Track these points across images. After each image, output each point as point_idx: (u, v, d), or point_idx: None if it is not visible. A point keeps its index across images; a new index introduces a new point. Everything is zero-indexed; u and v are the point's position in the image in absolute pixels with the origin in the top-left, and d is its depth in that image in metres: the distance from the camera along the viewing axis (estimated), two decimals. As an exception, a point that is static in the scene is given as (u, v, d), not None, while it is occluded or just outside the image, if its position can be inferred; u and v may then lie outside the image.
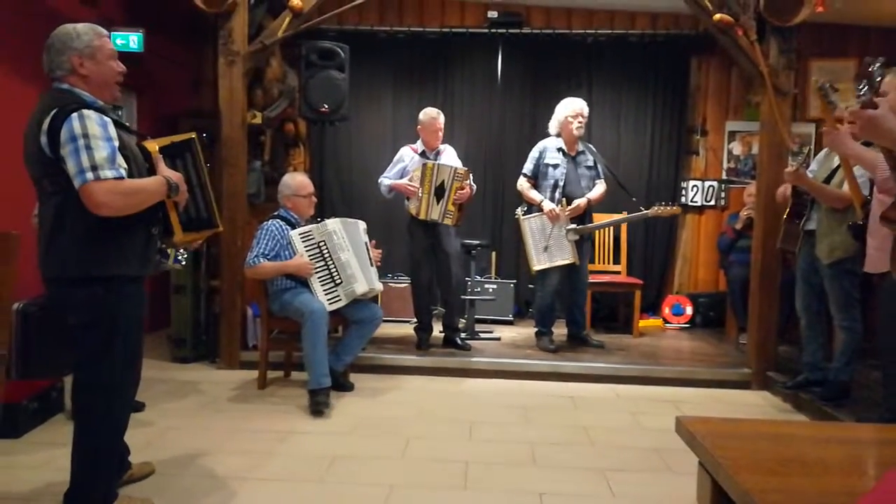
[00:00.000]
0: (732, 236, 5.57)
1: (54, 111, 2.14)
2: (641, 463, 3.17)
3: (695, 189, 6.26)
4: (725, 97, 6.29)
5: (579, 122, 4.84)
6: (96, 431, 2.37)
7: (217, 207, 2.72)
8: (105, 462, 2.41)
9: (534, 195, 4.93)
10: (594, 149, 5.08)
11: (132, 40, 4.81)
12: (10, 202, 3.52)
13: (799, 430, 1.66)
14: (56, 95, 2.24)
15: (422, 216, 4.70)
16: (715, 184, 6.27)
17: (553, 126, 4.98)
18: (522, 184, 5.03)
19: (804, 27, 4.50)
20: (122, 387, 2.41)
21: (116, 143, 2.19)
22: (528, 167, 5.01)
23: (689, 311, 6.16)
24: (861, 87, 2.34)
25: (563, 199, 4.86)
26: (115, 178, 2.15)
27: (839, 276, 3.74)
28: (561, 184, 4.87)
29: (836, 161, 3.87)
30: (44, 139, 2.14)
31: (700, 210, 6.32)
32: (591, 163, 4.98)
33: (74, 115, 2.12)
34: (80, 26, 2.30)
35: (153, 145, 2.44)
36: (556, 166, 4.89)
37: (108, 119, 2.21)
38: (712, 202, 6.28)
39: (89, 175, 2.10)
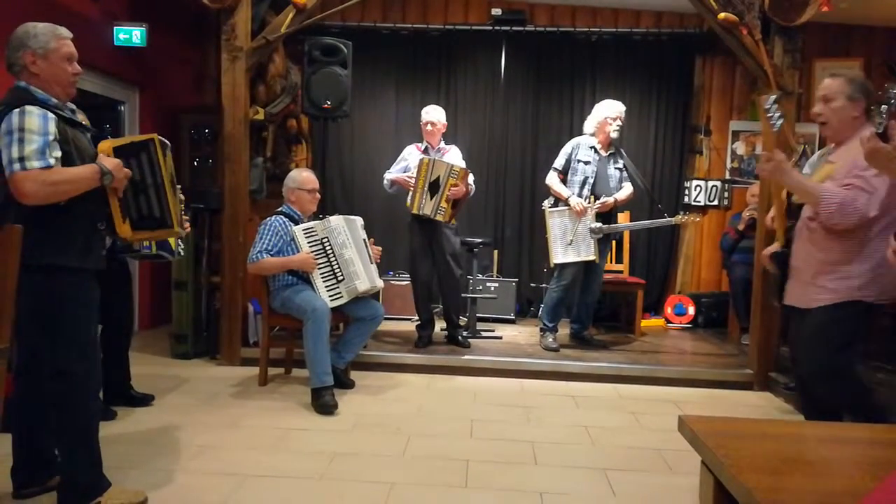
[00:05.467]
0: (735, 236, 5.55)
1: (2, 109, 2.27)
2: (642, 463, 3.16)
3: (698, 189, 6.25)
4: (729, 96, 6.27)
5: (618, 125, 4.86)
6: (64, 420, 2.42)
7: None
8: (82, 449, 2.45)
9: (561, 190, 4.93)
10: (625, 154, 5.08)
11: (135, 35, 4.81)
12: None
13: (802, 429, 1.65)
14: (12, 93, 2.36)
15: (414, 210, 4.72)
16: (718, 183, 6.26)
17: (589, 125, 4.98)
18: (552, 178, 5.02)
19: (809, 27, 4.48)
20: (79, 374, 2.42)
21: (51, 138, 2.28)
22: (558, 162, 5.02)
23: (691, 311, 6.14)
24: (882, 113, 2.37)
25: (591, 195, 4.86)
26: (42, 168, 2.23)
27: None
28: (591, 181, 4.87)
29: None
30: None
31: (703, 210, 6.30)
32: (620, 165, 4.99)
33: (16, 110, 2.25)
34: (41, 26, 2.39)
35: (108, 144, 2.52)
36: (587, 163, 4.89)
37: (51, 116, 2.30)
38: (715, 202, 6.27)
39: (16, 166, 2.21)
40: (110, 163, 2.45)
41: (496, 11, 6.03)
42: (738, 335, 5.56)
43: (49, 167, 2.25)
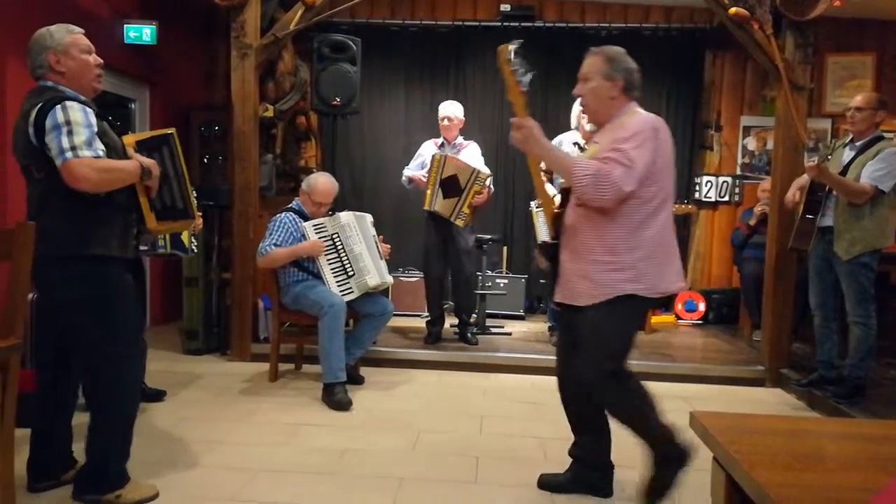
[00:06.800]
0: (746, 232, 5.53)
1: (40, 104, 2.31)
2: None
3: (709, 184, 6.22)
4: (740, 92, 6.23)
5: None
6: (108, 408, 2.48)
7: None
8: (119, 440, 2.50)
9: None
10: None
11: (145, 33, 4.83)
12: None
13: (815, 425, 1.63)
14: (41, 91, 2.41)
15: (425, 206, 4.71)
16: (729, 179, 6.22)
17: (572, 119, 4.96)
18: None
19: (821, 21, 4.44)
20: (128, 360, 2.51)
21: (96, 130, 2.34)
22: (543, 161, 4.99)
23: (701, 307, 6.12)
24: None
25: None
26: (93, 157, 2.30)
27: (856, 272, 3.71)
28: None
29: (848, 155, 3.83)
30: (31, 129, 2.31)
31: (714, 206, 6.27)
32: None
33: (58, 105, 2.29)
34: (54, 27, 2.45)
35: (130, 138, 2.60)
36: None
37: (89, 109, 2.37)
38: (726, 198, 6.24)
39: (69, 154, 2.26)
40: (147, 161, 2.52)
41: (505, 7, 6.02)
42: (749, 331, 5.53)
43: (99, 157, 2.32)
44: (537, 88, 6.29)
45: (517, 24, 6.06)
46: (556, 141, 4.95)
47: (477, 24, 6.15)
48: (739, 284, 5.79)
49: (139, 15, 5.01)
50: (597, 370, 2.43)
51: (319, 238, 3.98)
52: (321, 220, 4.05)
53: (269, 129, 5.08)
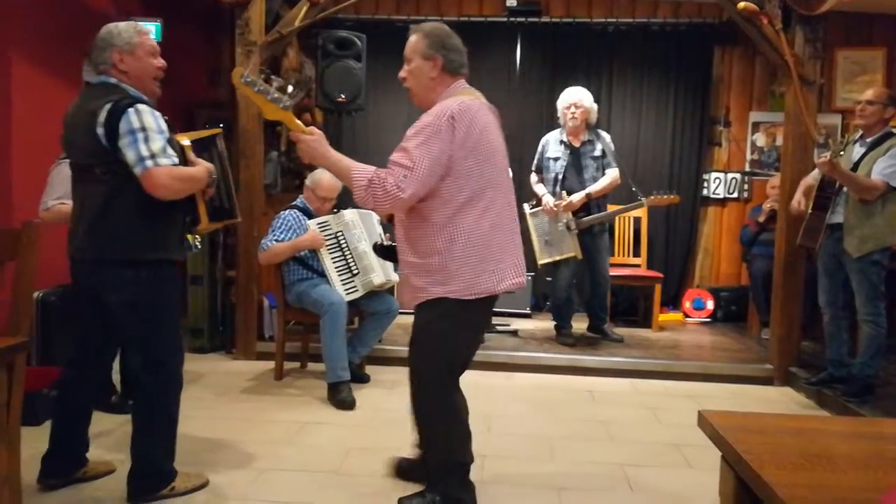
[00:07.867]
0: (755, 229, 5.48)
1: (110, 105, 2.29)
2: (661, 458, 3.13)
3: (717, 181, 6.17)
4: (749, 87, 6.18)
5: (572, 113, 4.78)
6: (156, 407, 2.52)
7: (236, 199, 2.84)
8: (169, 439, 2.55)
9: (537, 190, 4.97)
10: (607, 137, 4.99)
11: (150, 30, 4.82)
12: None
13: (824, 425, 1.62)
14: (106, 89, 2.39)
15: None
16: (738, 176, 6.18)
17: (560, 117, 4.95)
18: (532, 178, 5.06)
19: (830, 15, 4.39)
20: (174, 365, 2.54)
21: (167, 136, 2.35)
22: (535, 162, 5.04)
23: (710, 305, 6.08)
24: None
25: (563, 192, 4.81)
26: (171, 165, 2.31)
27: (867, 269, 3.66)
28: (560, 177, 4.83)
29: (858, 152, 3.79)
30: (100, 130, 2.28)
31: (722, 202, 6.23)
32: (598, 153, 4.90)
33: (131, 109, 2.28)
34: (122, 24, 2.47)
35: (184, 138, 2.60)
36: (556, 159, 4.87)
37: (158, 113, 2.37)
38: (735, 194, 6.19)
39: (149, 162, 2.26)
40: (210, 166, 2.55)
41: (511, 3, 5.98)
42: (757, 329, 5.49)
43: (175, 164, 2.33)
44: (544, 84, 6.25)
45: (523, 19, 6.03)
46: (543, 141, 5.00)
47: (482, 19, 6.11)
48: (748, 282, 5.74)
49: (143, 12, 5.00)
50: (420, 381, 2.43)
51: (324, 236, 3.97)
52: (325, 217, 4.04)
53: (273, 126, 5.07)
